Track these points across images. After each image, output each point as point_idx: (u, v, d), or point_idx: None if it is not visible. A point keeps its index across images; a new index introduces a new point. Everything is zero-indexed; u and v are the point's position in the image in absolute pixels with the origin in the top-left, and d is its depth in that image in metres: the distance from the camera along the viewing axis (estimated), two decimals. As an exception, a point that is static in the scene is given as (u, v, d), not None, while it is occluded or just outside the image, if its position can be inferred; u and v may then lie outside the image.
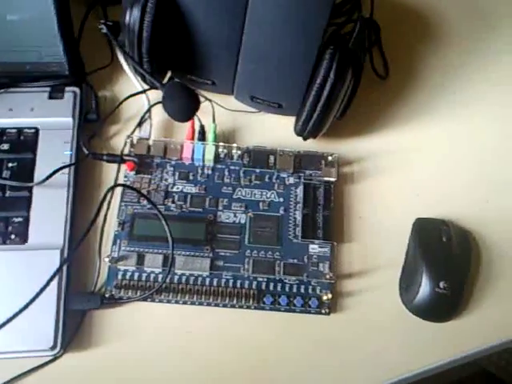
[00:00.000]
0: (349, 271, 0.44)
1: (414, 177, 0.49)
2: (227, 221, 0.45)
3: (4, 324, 0.37)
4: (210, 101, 0.48)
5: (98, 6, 0.54)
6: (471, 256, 0.44)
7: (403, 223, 0.46)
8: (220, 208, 0.45)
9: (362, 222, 0.47)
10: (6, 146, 0.45)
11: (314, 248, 0.44)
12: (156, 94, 0.50)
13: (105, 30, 0.45)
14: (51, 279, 0.38)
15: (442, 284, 0.41)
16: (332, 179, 0.46)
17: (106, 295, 0.42)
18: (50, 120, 0.46)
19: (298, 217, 0.45)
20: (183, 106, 0.37)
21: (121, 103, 0.49)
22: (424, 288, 0.41)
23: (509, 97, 0.54)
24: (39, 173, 0.44)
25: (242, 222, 0.45)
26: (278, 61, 0.44)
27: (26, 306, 0.37)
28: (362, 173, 0.49)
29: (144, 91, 0.49)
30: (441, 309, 0.42)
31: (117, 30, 0.46)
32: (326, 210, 0.45)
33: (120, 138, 0.48)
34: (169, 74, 0.48)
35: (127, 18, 0.42)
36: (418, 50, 0.56)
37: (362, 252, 0.45)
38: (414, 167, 0.49)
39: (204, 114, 0.47)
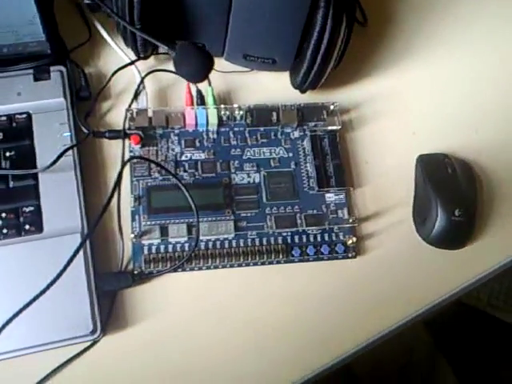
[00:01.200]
0: (365, 214, 0.46)
1: (408, 116, 0.51)
2: (242, 182, 0.45)
3: (28, 304, 0.35)
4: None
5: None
6: (476, 184, 0.47)
7: (406, 161, 0.48)
8: (232, 170, 0.45)
9: (369, 166, 0.48)
10: (-1, 136, 0.43)
11: (330, 196, 0.45)
12: (144, 64, 0.48)
13: (88, 0, 0.42)
14: (74, 256, 0.37)
15: (457, 212, 0.43)
16: (336, 127, 0.47)
17: (136, 272, 0.41)
18: (41, 103, 0.44)
19: (310, 169, 0.46)
20: (199, 66, 0.36)
21: (111, 76, 0.47)
22: (441, 218, 0.43)
23: (481, 32, 0.56)
24: (41, 158, 0.42)
25: (257, 181, 0.45)
26: (270, 14, 0.43)
27: (51, 284, 0.36)
28: (361, 118, 0.50)
29: (132, 62, 0.47)
30: (458, 236, 0.44)
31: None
32: (334, 158, 0.46)
33: (116, 113, 0.47)
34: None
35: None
36: (391, -5, 0.57)
37: (374, 194, 0.47)
38: (406, 107, 0.51)
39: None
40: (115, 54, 0.48)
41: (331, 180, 0.46)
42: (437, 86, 0.53)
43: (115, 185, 0.40)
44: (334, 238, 0.44)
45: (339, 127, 0.47)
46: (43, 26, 0.43)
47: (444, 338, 1.00)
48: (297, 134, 0.47)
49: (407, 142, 0.49)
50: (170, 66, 0.46)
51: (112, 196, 0.40)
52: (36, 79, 0.45)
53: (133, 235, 0.41)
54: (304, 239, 0.44)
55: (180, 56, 0.37)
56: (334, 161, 0.46)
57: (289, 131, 0.47)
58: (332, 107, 0.47)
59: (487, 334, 1.03)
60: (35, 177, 0.42)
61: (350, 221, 0.44)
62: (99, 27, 0.48)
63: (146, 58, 0.47)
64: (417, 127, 0.50)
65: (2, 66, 0.44)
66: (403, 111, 0.51)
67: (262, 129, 0.47)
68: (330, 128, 0.47)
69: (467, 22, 0.57)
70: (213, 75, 0.47)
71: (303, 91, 0.48)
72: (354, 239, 0.44)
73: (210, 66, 0.36)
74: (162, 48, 0.39)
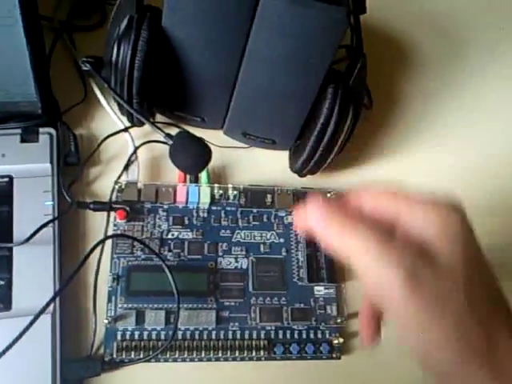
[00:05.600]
0: (354, 310, 0.44)
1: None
2: (229, 267, 0.43)
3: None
4: (199, 138, 0.46)
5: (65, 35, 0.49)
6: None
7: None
8: (220, 253, 0.43)
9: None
10: (-23, 199, 0.40)
11: (320, 290, 0.43)
12: (139, 131, 0.46)
13: (87, 68, 0.41)
14: (43, 311, 0.35)
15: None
16: (332, 217, 0.45)
17: (106, 359, 0.38)
18: (25, 166, 0.42)
19: (301, 258, 0.44)
20: (196, 160, 0.34)
21: (102, 142, 0.45)
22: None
23: (484, 119, 0.56)
24: (18, 228, 0.40)
25: (244, 267, 0.43)
26: (275, 98, 0.42)
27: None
28: (357, 206, 0.48)
29: (126, 129, 0.46)
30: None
31: (99, 67, 0.42)
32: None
33: (103, 182, 0.44)
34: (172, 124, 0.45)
35: (115, 55, 0.39)
36: (397, 79, 0.56)
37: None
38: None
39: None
40: (109, 117, 0.46)
41: (322, 272, 0.43)
42: (440, 174, 0.51)
43: (83, 261, 0.37)
44: (319, 336, 0.42)
45: (335, 217, 0.45)
46: (36, 88, 0.42)
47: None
48: (291, 218, 0.45)
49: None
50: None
51: (76, 272, 0.37)
52: (23, 140, 0.43)
53: (106, 321, 0.39)
54: (288, 335, 0.41)
55: (178, 147, 0.35)
56: (327, 251, 0.44)
57: (282, 215, 0.45)
58: (328, 195, 0.46)
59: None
60: (10, 248, 0.39)
61: (338, 320, 0.42)
62: (95, 89, 0.46)
63: (140, 125, 0.45)
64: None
65: (-11, 124, 0.42)
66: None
67: (255, 210, 0.45)
68: (325, 217, 0.45)
69: (472, 107, 0.56)
70: (209, 148, 0.46)
71: (302, 176, 0.46)
72: (341, 340, 0.41)
73: (207, 161, 0.34)
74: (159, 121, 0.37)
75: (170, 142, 0.35)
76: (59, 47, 0.49)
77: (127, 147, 0.45)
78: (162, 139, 0.42)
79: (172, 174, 0.45)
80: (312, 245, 0.44)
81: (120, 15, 0.40)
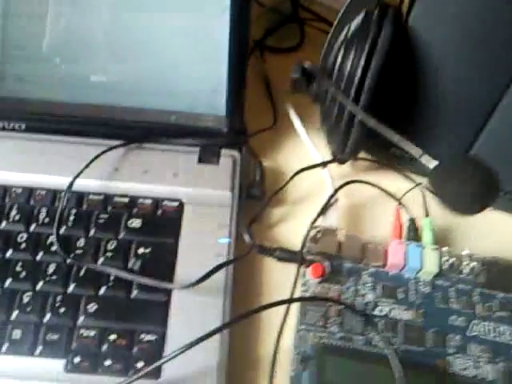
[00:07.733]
0: None
1: None
2: (465, 373, 0.28)
3: None
4: (418, 185, 0.34)
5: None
6: None
7: None
8: (450, 350, 0.29)
9: None
10: (136, 223, 0.31)
11: None
12: (337, 170, 0.36)
13: (298, 75, 0.32)
14: None
15: None
16: None
17: None
18: (200, 192, 0.32)
19: None
20: (477, 193, 0.22)
21: (293, 176, 0.35)
22: None
23: None
24: (182, 266, 0.30)
25: (490, 377, 0.28)
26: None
27: None
28: None
29: (324, 164, 0.35)
30: None
31: (309, 79, 0.33)
32: None
33: (288, 225, 0.34)
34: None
35: (340, 59, 0.30)
36: None
37: None
38: None
39: (411, 203, 0.34)
40: (303, 149, 0.37)
41: None
42: None
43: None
44: None
45: None
46: (228, 99, 0.34)
47: None
48: (558, 314, 0.30)
49: None
50: (369, 177, 0.35)
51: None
52: (201, 161, 0.34)
53: (288, 423, 0.26)
54: None
55: (447, 172, 0.23)
56: None
57: (543, 308, 0.31)
58: None
59: None
60: (168, 292, 0.29)
61: None
62: (291, 113, 0.37)
63: (344, 161, 0.35)
64: None
65: (163, 136, 0.35)
66: None
67: (500, 295, 0.31)
68: None
69: None
70: (435, 202, 0.33)
71: None
72: None
73: (493, 196, 0.22)
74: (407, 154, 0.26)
75: (433, 164, 0.23)
76: (249, 66, 0.41)
77: (323, 186, 0.35)
78: (365, 178, 0.32)
79: (380, 228, 0.33)
80: None
81: (349, 16, 0.31)
